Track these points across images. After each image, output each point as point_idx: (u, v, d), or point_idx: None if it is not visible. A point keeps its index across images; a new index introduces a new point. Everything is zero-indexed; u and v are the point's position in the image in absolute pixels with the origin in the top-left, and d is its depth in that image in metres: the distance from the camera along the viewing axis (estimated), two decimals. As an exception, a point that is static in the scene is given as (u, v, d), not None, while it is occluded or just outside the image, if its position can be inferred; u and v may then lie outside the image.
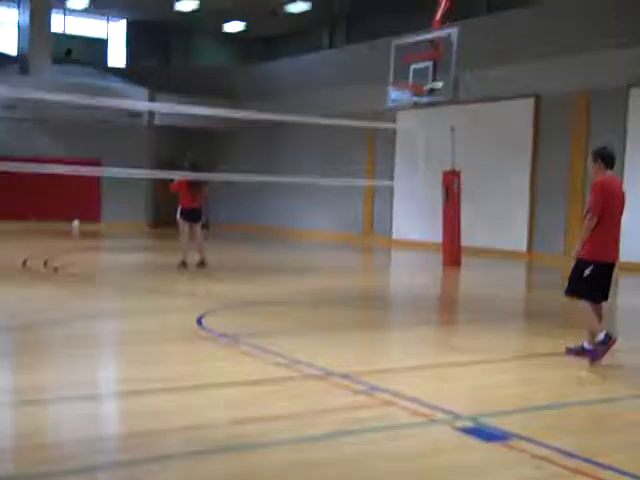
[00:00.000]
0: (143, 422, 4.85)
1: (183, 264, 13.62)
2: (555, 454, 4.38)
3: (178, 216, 13.82)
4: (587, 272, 6.67)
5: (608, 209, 6.65)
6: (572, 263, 6.85)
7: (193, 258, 13.69)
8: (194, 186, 13.51)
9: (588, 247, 6.68)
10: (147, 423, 4.83)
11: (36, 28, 25.38)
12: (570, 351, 6.93)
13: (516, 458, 4.36)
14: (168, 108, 21.31)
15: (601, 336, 6.63)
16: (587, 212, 6.78)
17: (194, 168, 13.36)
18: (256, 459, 4.28)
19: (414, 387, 5.81)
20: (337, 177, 21.91)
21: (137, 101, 25.20)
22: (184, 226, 13.76)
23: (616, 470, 4.15)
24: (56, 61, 26.02)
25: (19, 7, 26.52)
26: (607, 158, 6.83)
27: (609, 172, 6.85)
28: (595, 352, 6.66)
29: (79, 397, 5.40)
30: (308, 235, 24.26)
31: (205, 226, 20.34)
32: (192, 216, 13.70)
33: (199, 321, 8.45)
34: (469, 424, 4.90)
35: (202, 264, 13.79)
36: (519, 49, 18.34)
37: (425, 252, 18.96)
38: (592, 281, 6.68)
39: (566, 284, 6.88)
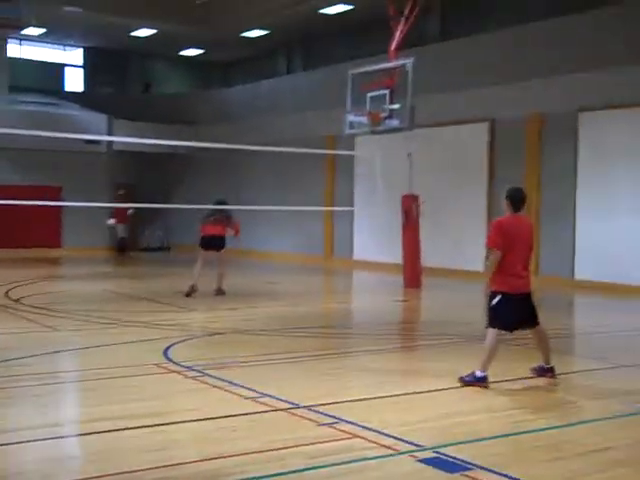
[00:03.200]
0: (109, 462, 4.90)
1: (191, 289, 13.89)
2: (513, 483, 4.59)
3: (199, 244, 14.38)
4: (494, 302, 7.20)
5: (507, 246, 7.12)
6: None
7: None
8: (213, 217, 14.34)
9: (495, 280, 7.21)
10: (113, 463, 4.88)
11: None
12: (535, 370, 7.42)
13: (476, 488, 4.56)
14: (127, 138, 21.40)
15: (481, 374, 7.08)
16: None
17: (219, 204, 14.65)
18: (227, 497, 4.40)
19: (377, 417, 5.99)
20: (297, 199, 22.21)
21: (96, 129, 25.33)
22: (202, 254, 14.22)
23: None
24: (13, 88, 25.97)
25: (-26, 35, 26.40)
26: (512, 199, 7.34)
27: (513, 212, 7.32)
28: (472, 380, 7.09)
29: (42, 438, 5.42)
30: (269, 257, 24.41)
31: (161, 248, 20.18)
32: (211, 243, 14.22)
33: (165, 353, 8.56)
34: (431, 455, 5.10)
35: (219, 291, 14.23)
36: (474, 75, 18.79)
37: (386, 273, 19.21)
38: (497, 310, 7.18)
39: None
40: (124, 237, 25.03)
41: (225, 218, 14.46)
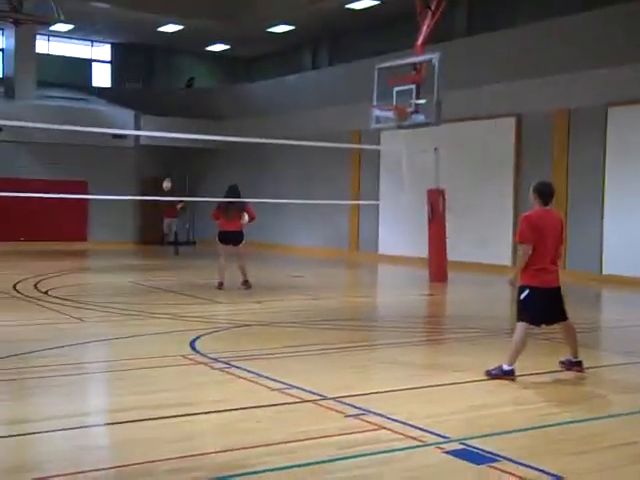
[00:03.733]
0: (134, 452, 4.93)
1: (220, 285, 14.10)
2: (542, 476, 4.56)
3: (217, 239, 14.44)
4: (522, 296, 7.19)
5: (537, 240, 7.11)
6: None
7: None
8: (227, 210, 14.20)
9: (524, 274, 7.20)
10: (139, 452, 4.91)
11: (21, 52, 25.56)
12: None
13: (504, 480, 4.55)
14: (154, 132, 21.49)
15: (508, 367, 7.07)
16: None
17: (230, 194, 14.32)
18: (253, 486, 4.41)
19: (404, 409, 5.99)
20: (323, 193, 22.22)
21: (123, 124, 25.51)
22: (222, 249, 14.32)
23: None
24: (41, 84, 26.21)
25: (3, 32, 26.68)
26: (541, 193, 7.29)
27: (542, 206, 7.28)
28: (498, 373, 7.09)
29: (68, 428, 5.47)
30: (294, 250, 24.45)
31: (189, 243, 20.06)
32: (229, 238, 14.29)
33: (192, 345, 8.61)
34: (457, 447, 5.09)
35: (246, 283, 14.31)
36: (501, 70, 18.68)
37: (412, 267, 19.18)
38: (526, 304, 7.17)
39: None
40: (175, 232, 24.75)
41: (239, 209, 14.33)
